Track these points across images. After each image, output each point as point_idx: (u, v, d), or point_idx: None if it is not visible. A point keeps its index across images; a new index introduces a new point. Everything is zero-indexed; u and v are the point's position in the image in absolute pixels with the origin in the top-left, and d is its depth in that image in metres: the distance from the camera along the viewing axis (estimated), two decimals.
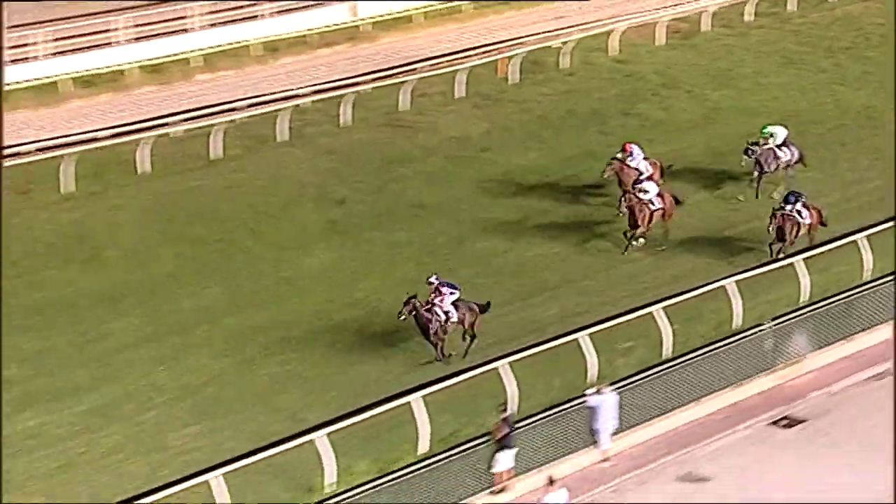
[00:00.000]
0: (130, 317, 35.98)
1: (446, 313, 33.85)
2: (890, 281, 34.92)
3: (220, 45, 54.09)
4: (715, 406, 31.53)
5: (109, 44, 52.67)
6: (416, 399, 29.34)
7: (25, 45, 51.16)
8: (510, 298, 36.24)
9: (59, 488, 29.13)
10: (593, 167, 42.65)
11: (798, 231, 39.01)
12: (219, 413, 31.54)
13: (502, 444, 28.14)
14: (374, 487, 26.90)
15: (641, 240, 39.86)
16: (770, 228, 38.78)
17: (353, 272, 38.11)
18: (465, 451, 28.00)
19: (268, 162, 46.04)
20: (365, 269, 38.36)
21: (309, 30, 56.47)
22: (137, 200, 43.20)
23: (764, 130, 43.66)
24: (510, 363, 30.10)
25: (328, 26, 57.15)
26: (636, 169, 41.53)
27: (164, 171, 44.57)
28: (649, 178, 41.17)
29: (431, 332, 33.84)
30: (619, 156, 41.86)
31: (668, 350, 32.26)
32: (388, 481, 27.02)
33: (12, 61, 49.46)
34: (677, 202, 40.88)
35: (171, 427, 31.10)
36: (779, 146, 43.52)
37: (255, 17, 55.60)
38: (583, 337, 31.12)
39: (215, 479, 26.81)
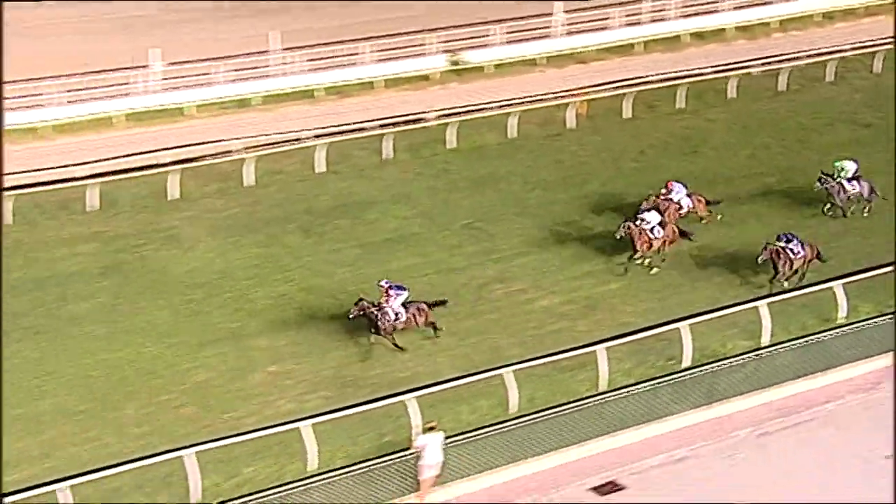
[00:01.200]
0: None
1: (396, 313, 36.42)
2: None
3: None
4: (545, 465, 31.88)
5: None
6: None
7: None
8: None
9: None
10: None
11: (791, 265, 39.61)
12: None
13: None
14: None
15: (653, 266, 41.21)
16: (759, 259, 39.70)
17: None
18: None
19: (816, 95, 58.45)
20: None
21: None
22: (725, 116, 55.86)
23: (836, 163, 44.86)
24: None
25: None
26: (678, 203, 43.06)
27: (745, 99, 57.35)
28: (688, 211, 43.22)
29: (381, 329, 36.30)
30: (661, 191, 43.33)
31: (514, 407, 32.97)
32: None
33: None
34: (685, 235, 41.66)
35: None
36: (848, 179, 44.50)
37: None
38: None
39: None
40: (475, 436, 31.38)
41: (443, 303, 37.62)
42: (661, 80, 57.02)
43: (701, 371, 34.05)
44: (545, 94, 55.22)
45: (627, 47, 64.69)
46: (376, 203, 46.73)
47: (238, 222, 45.17)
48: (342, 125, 51.73)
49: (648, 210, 41.61)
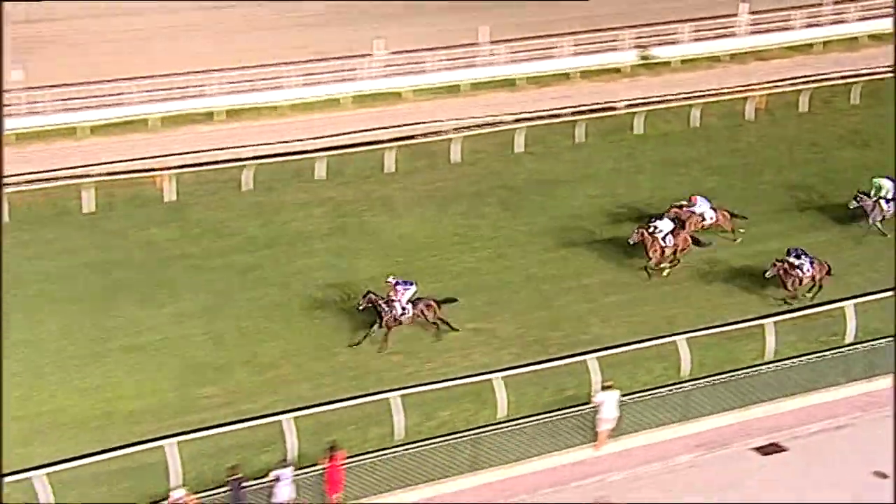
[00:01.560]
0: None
1: (403, 308, 35.55)
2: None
3: None
4: (711, 425, 32.00)
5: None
6: None
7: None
8: None
9: None
10: None
11: (800, 282, 37.54)
12: None
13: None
14: None
15: (666, 271, 39.46)
16: (767, 274, 37.61)
17: None
18: None
19: None
20: None
21: None
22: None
23: (874, 181, 42.23)
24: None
25: None
26: (700, 215, 41.22)
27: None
28: (712, 223, 41.17)
29: (384, 320, 35.33)
30: (682, 202, 41.77)
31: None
32: None
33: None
34: (698, 243, 39.91)
35: None
36: (886, 199, 41.95)
37: None
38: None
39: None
40: (648, 395, 31.74)
41: (453, 300, 36.45)
42: (838, 78, 56.08)
43: (862, 347, 33.90)
44: (727, 88, 54.95)
45: (807, 47, 63.48)
46: (567, 182, 47.01)
47: (444, 194, 45.89)
48: (539, 111, 52.08)
49: (663, 218, 40.03)
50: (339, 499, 29.34)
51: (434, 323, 35.79)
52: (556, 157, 49.62)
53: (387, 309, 35.23)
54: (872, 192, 42.08)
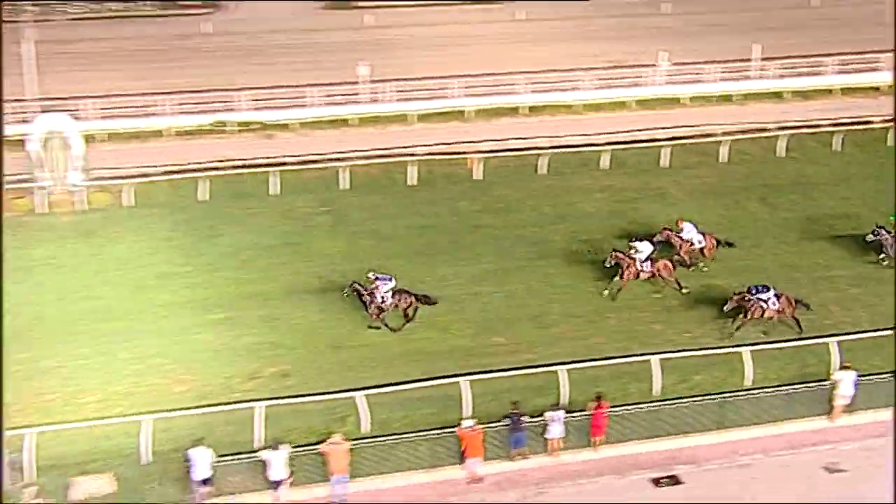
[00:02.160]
0: None
1: (382, 297, 34.16)
2: None
3: None
4: None
5: None
6: None
7: None
8: None
9: None
10: None
11: (762, 314, 33.46)
12: None
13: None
14: None
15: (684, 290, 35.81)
16: (725, 308, 33.82)
17: None
18: None
19: None
20: None
21: None
22: None
23: (893, 217, 38.05)
24: None
25: None
26: (688, 241, 37.46)
27: None
28: (701, 247, 37.27)
29: (369, 308, 34.14)
30: (672, 228, 37.92)
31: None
32: None
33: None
34: (684, 265, 36.59)
35: None
36: None
37: None
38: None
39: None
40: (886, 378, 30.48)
41: (431, 302, 34.65)
42: None
43: None
44: None
45: None
46: (822, 184, 45.39)
47: (711, 189, 44.98)
48: (802, 121, 50.58)
49: (642, 240, 36.12)
50: (601, 441, 29.41)
51: (406, 317, 34.15)
52: (815, 162, 47.91)
53: (369, 299, 34.13)
54: (892, 228, 37.73)
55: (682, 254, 37.30)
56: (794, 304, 33.82)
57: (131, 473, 28.00)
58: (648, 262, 35.85)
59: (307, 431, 29.12)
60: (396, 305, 34.37)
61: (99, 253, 38.67)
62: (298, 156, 45.63)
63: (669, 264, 36.24)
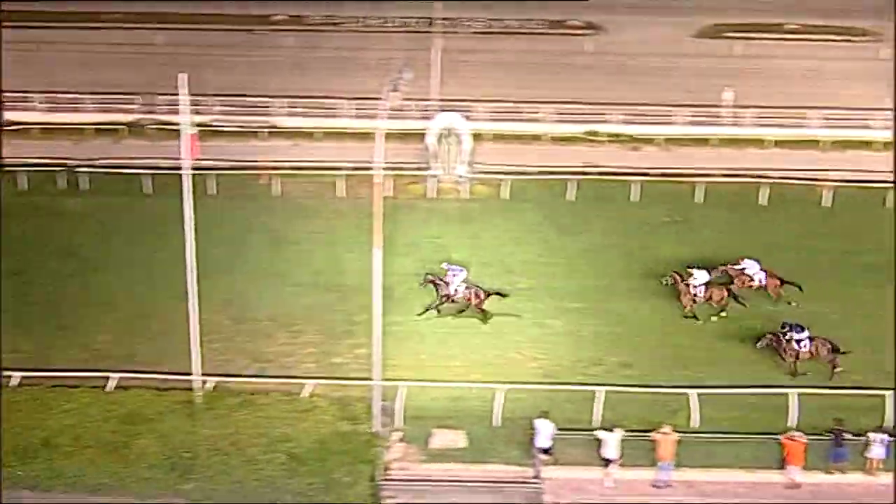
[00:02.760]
0: None
1: (456, 288, 33.88)
2: None
3: None
4: None
5: None
6: None
7: None
8: None
9: None
10: None
11: (797, 356, 30.97)
12: None
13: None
14: None
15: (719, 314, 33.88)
16: (759, 345, 31.46)
17: None
18: None
19: None
20: None
21: None
22: None
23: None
24: None
25: None
26: (749, 276, 35.26)
27: None
28: (760, 285, 34.87)
29: (440, 295, 34.01)
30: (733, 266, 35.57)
31: None
32: None
33: None
34: (733, 297, 34.24)
35: None
36: None
37: None
38: None
39: None
40: None
41: (502, 295, 34.26)
42: None
43: None
44: None
45: None
46: None
47: None
48: None
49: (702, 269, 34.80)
50: None
51: (480, 309, 34.00)
52: None
53: (442, 287, 34.26)
54: None
55: (737, 285, 35.51)
56: (828, 346, 31.33)
57: (481, 433, 29.01)
58: (704, 288, 34.63)
59: (640, 419, 29.05)
60: (467, 299, 34.11)
61: (475, 237, 40.04)
62: (660, 168, 45.36)
63: (726, 292, 34.76)
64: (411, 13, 62.98)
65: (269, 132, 48.69)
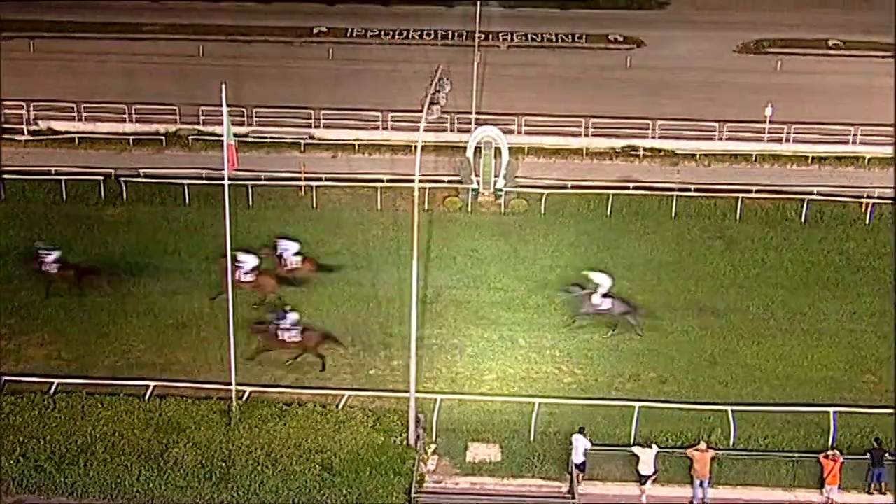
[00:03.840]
0: None
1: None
2: None
3: None
4: None
5: None
6: None
7: None
8: None
9: None
10: None
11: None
12: None
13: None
14: None
15: None
16: None
17: None
18: None
19: None
20: None
21: None
22: None
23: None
24: None
25: None
26: None
27: None
28: None
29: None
30: None
31: None
32: None
33: None
34: None
35: None
36: None
37: None
38: None
39: None
40: None
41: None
42: None
43: None
44: None
45: None
46: None
47: None
48: None
49: None
50: None
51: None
52: None
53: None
54: None
55: None
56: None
57: (517, 447, 29.04)
58: None
59: (677, 435, 28.95)
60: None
61: (512, 251, 40.09)
62: (699, 184, 45.16)
63: None
64: (451, 26, 63.28)
65: (308, 143, 49.10)
